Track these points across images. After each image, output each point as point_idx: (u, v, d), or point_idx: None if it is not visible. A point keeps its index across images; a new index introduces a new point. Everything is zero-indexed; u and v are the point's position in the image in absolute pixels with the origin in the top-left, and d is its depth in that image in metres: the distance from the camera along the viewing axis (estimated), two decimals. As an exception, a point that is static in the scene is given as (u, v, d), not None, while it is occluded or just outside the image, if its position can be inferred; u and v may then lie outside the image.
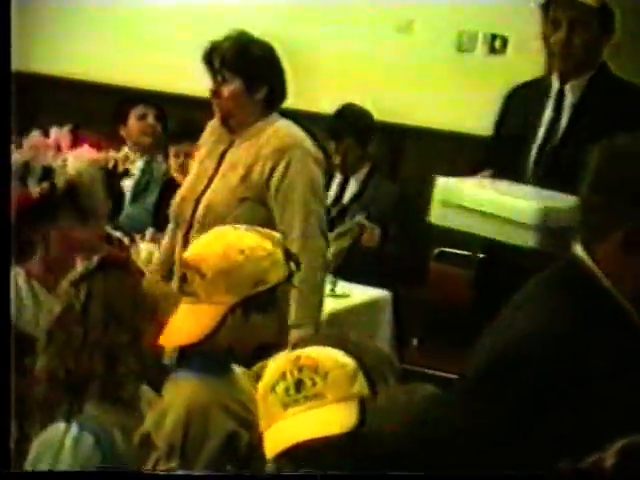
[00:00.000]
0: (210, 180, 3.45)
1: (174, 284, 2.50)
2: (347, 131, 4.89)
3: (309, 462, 1.91)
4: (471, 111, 4.76)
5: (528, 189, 3.17)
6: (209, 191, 3.43)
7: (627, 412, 1.69)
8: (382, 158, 5.17)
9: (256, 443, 2.04)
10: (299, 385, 1.94)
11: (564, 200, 2.93)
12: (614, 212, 1.80)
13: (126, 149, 2.54)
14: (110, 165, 2.49)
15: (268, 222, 3.22)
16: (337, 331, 3.47)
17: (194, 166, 3.61)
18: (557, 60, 3.29)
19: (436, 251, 4.95)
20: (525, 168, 3.30)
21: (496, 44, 5.15)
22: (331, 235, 4.58)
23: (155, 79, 5.66)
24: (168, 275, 3.16)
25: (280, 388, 1.95)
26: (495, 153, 3.45)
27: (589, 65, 3.31)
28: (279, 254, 2.28)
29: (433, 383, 2.10)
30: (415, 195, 4.92)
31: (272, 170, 3.36)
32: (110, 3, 5.87)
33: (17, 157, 2.49)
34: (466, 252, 4.56)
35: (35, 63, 5.89)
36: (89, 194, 2.47)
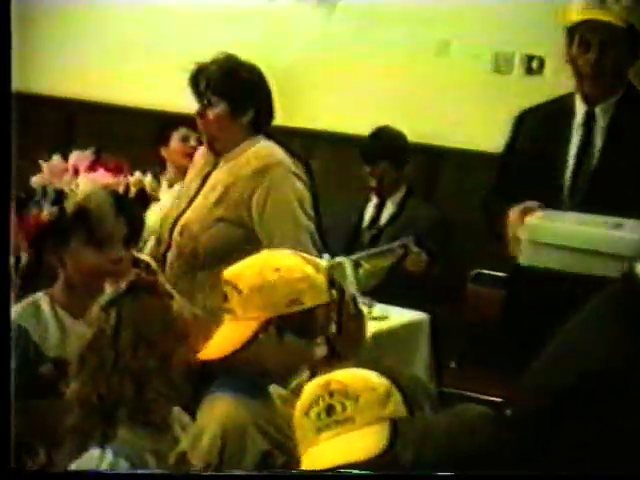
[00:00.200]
0: (191, 201, 3.44)
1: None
2: (382, 154, 4.90)
3: None
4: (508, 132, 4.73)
5: (610, 219, 3.05)
6: (188, 211, 3.42)
7: None
8: (418, 180, 5.17)
9: (293, 466, 2.06)
10: (330, 410, 1.96)
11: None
12: None
13: (138, 174, 2.53)
14: (121, 190, 2.49)
15: (244, 243, 3.20)
16: (374, 355, 3.46)
17: (181, 188, 3.62)
18: (586, 82, 3.25)
19: (473, 273, 4.92)
20: (558, 195, 3.24)
21: (533, 65, 5.13)
22: (364, 254, 4.59)
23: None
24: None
25: (313, 413, 1.97)
26: (515, 179, 3.35)
27: (617, 86, 3.28)
28: (320, 279, 2.31)
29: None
30: (452, 217, 4.92)
31: (253, 191, 3.30)
32: (145, 28, 5.93)
33: (36, 180, 2.51)
34: (503, 274, 4.52)
35: (70, 88, 5.97)
36: (99, 219, 2.46)
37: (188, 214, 3.41)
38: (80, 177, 2.48)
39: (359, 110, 5.35)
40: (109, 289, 2.27)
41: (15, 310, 2.50)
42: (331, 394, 1.96)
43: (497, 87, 5.15)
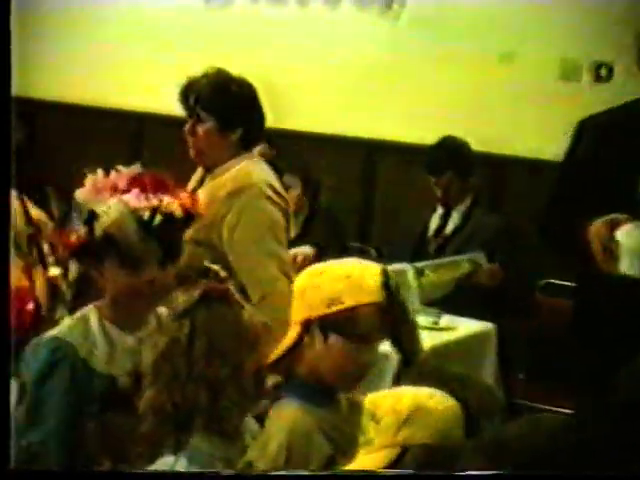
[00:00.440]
0: None
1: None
2: (447, 164, 4.88)
3: None
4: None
5: None
6: None
7: None
8: (484, 189, 5.13)
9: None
10: (362, 430, 2.05)
11: None
12: None
13: (166, 198, 2.49)
14: (146, 216, 2.45)
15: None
16: (443, 365, 3.43)
17: None
18: None
19: (542, 282, 4.88)
20: (634, 206, 3.17)
21: (602, 72, 5.07)
22: (429, 263, 4.57)
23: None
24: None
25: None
26: (584, 190, 3.28)
27: None
28: (368, 281, 2.27)
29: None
30: (519, 226, 4.87)
31: (226, 213, 3.24)
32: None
33: (78, 195, 2.51)
34: (573, 283, 4.47)
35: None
36: (126, 244, 2.45)
37: None
38: (112, 199, 2.46)
39: (424, 119, 5.33)
40: (181, 299, 2.29)
41: (66, 324, 2.53)
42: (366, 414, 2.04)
43: (565, 95, 5.10)
